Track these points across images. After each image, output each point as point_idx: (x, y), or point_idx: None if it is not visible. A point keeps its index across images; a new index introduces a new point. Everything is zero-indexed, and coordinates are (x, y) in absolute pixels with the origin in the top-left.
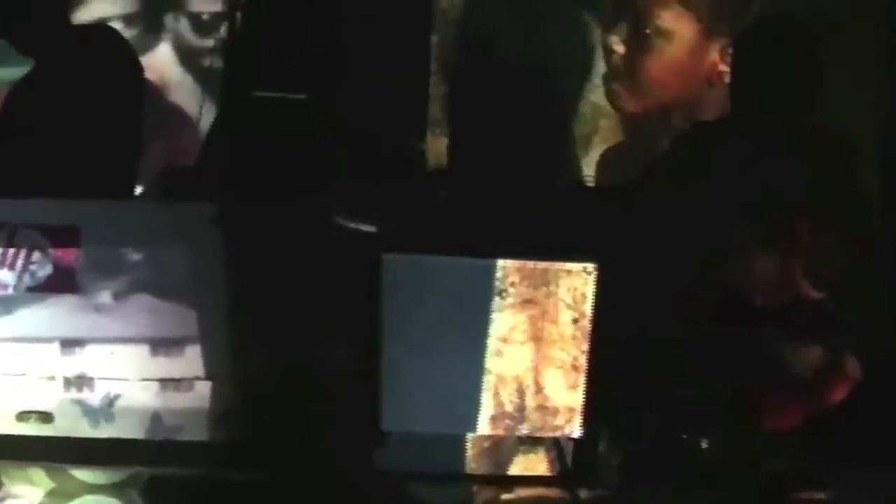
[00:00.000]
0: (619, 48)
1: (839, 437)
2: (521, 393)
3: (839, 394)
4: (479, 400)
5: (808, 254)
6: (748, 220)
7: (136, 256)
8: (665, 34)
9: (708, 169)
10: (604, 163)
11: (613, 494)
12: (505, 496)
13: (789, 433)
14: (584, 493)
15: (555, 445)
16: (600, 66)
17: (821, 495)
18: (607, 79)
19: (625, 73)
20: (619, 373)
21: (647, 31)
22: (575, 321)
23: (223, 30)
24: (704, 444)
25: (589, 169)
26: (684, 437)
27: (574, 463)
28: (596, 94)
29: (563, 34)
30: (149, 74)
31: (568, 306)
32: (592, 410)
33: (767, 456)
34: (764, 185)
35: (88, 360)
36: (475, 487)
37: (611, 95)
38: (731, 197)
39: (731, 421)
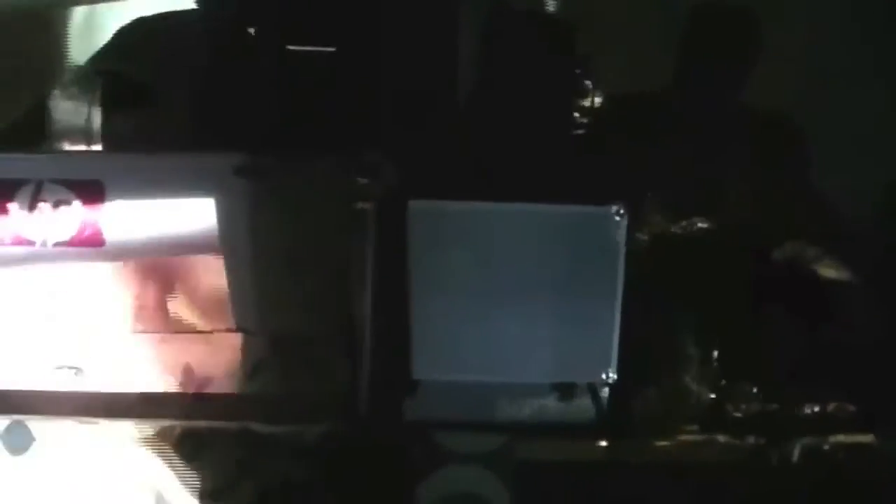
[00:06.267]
0: None
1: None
2: None
3: None
4: (511, 346)
5: None
6: None
7: (162, 209)
8: None
9: None
10: None
11: (649, 442)
12: (539, 445)
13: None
14: (618, 442)
15: (590, 392)
16: None
17: (866, 438)
18: None
19: None
20: (654, 319)
21: None
22: None
23: None
24: (746, 389)
25: None
26: (724, 382)
27: (610, 411)
28: None
29: None
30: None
31: None
32: (628, 357)
33: (805, 400)
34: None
35: (114, 312)
36: (509, 436)
37: None
38: None
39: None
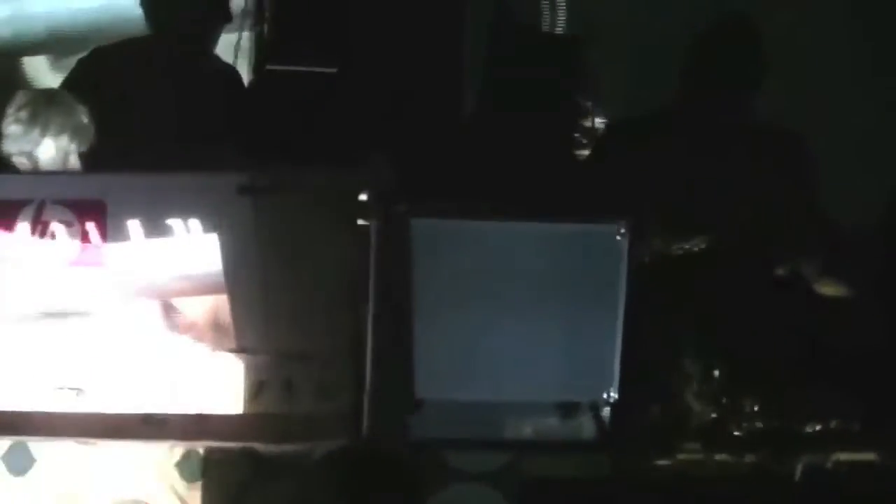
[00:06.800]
0: None
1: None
2: None
3: None
4: (513, 364)
5: None
6: None
7: (165, 229)
8: None
9: None
10: None
11: (652, 459)
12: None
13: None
14: (622, 459)
15: (592, 410)
16: None
17: (869, 457)
18: None
19: None
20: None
21: None
22: None
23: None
24: (745, 408)
25: None
26: (724, 400)
27: (612, 428)
28: None
29: None
30: None
31: None
32: (630, 375)
33: (809, 417)
34: None
35: (116, 334)
36: (513, 454)
37: None
38: None
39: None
